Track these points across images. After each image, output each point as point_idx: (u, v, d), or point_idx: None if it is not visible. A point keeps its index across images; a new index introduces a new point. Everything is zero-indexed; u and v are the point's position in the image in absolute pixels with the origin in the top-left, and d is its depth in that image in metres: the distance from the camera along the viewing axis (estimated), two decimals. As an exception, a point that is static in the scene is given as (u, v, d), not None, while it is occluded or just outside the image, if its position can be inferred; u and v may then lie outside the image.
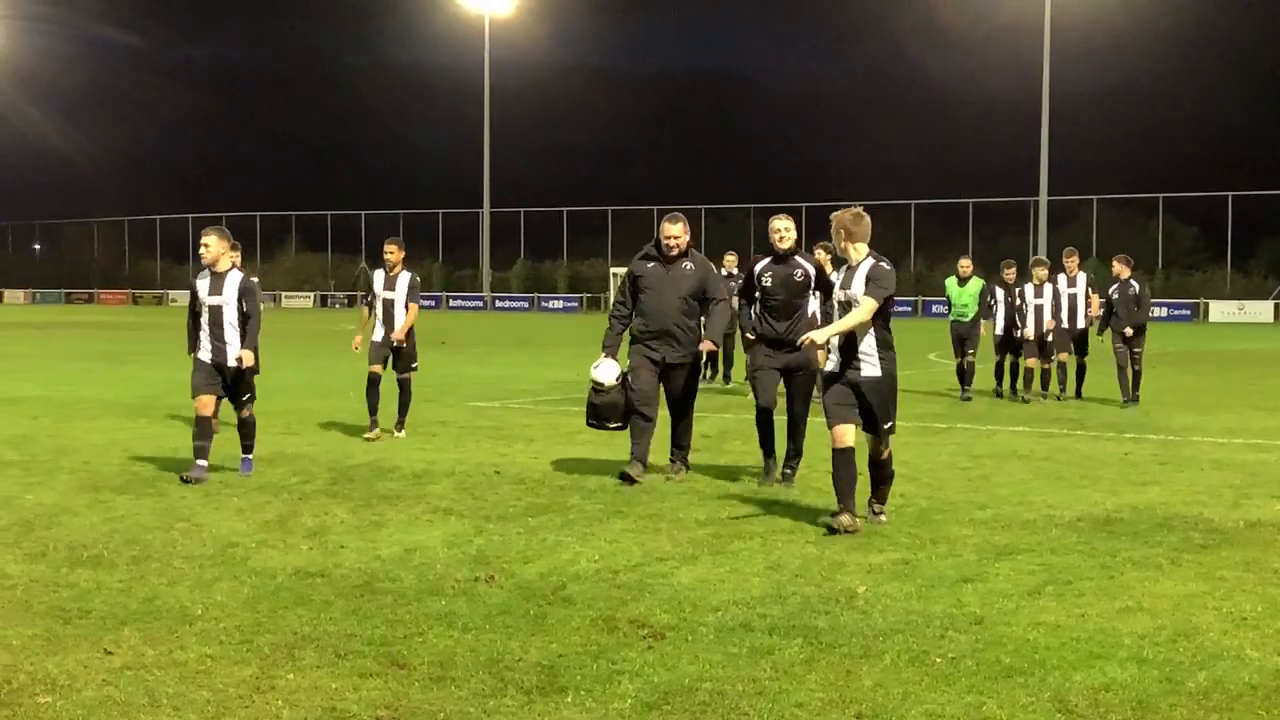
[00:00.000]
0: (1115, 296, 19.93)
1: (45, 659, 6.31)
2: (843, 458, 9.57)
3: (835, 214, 9.84)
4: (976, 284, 21.26)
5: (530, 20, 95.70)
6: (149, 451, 13.60)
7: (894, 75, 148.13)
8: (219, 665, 6.24)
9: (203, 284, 12.22)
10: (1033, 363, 20.46)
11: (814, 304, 12.07)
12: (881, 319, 9.59)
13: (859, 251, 9.68)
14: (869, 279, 9.52)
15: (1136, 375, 19.69)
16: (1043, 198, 73.02)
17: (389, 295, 15.17)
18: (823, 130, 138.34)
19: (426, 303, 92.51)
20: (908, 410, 17.14)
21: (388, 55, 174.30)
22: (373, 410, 14.99)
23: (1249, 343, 44.23)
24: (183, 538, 9.22)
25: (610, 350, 12.02)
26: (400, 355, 15.14)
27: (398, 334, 15.00)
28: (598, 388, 11.86)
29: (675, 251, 11.98)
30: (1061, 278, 20.99)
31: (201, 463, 11.70)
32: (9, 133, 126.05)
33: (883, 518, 9.86)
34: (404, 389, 15.20)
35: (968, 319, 21.13)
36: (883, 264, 9.64)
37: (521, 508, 10.41)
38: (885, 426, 9.69)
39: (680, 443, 12.37)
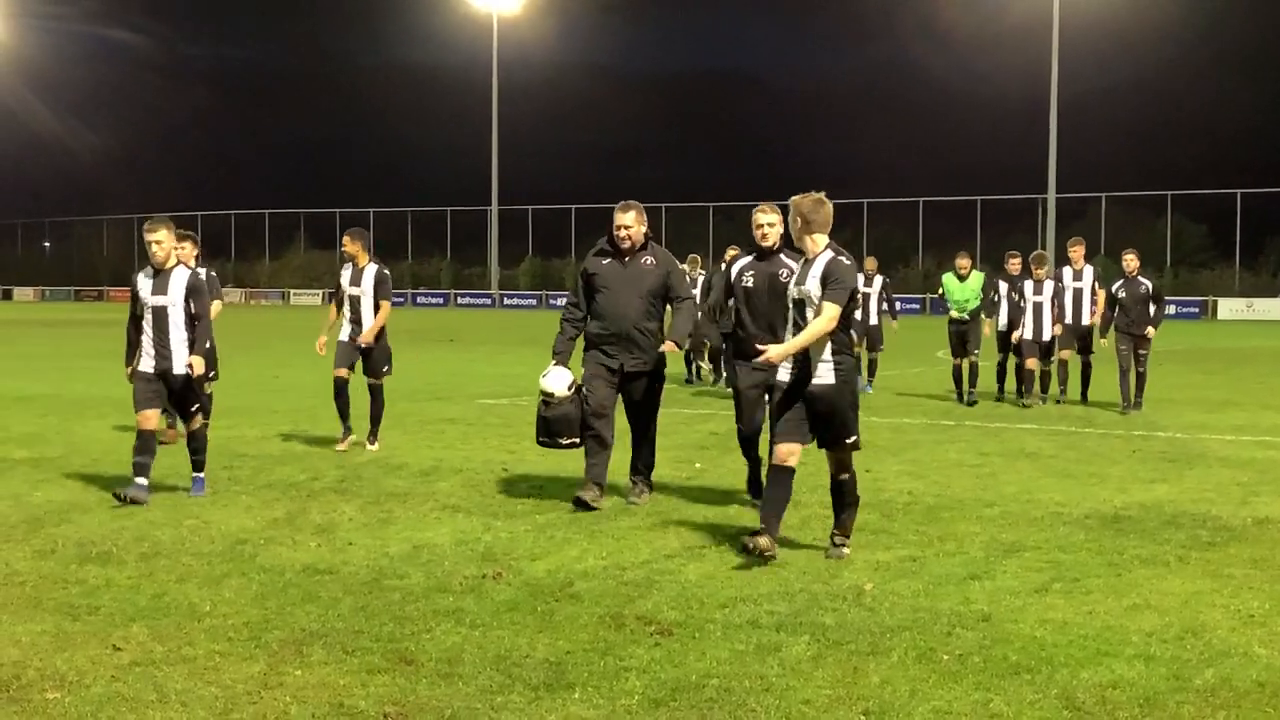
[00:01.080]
0: (1122, 295, 18.51)
1: (54, 655, 6.32)
2: (779, 476, 8.53)
3: (793, 199, 8.83)
4: (977, 278, 20.24)
5: (538, 19, 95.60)
6: (158, 449, 13.58)
7: (902, 73, 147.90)
8: (227, 661, 6.25)
9: (145, 283, 10.83)
10: (1033, 364, 19.19)
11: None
12: (840, 321, 8.53)
13: (816, 243, 8.66)
14: (827, 277, 8.46)
15: (1140, 379, 18.51)
16: (1051, 195, 72.91)
17: (355, 291, 13.94)
18: (830, 128, 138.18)
19: (434, 300, 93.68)
20: (916, 407, 17.09)
21: (396, 54, 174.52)
22: (344, 417, 13.88)
23: (1258, 340, 44.15)
24: (191, 535, 9.23)
25: (561, 357, 10.69)
26: (370, 358, 13.84)
27: (365, 336, 13.67)
28: (548, 399, 10.48)
29: (629, 244, 10.62)
30: (1066, 270, 19.71)
31: (141, 481, 10.47)
32: (19, 131, 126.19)
33: (845, 550, 8.67)
34: (375, 396, 13.89)
35: (969, 316, 19.97)
36: (842, 258, 8.59)
37: (529, 505, 10.41)
38: (846, 441, 8.63)
39: (642, 462, 10.96)
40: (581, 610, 7.19)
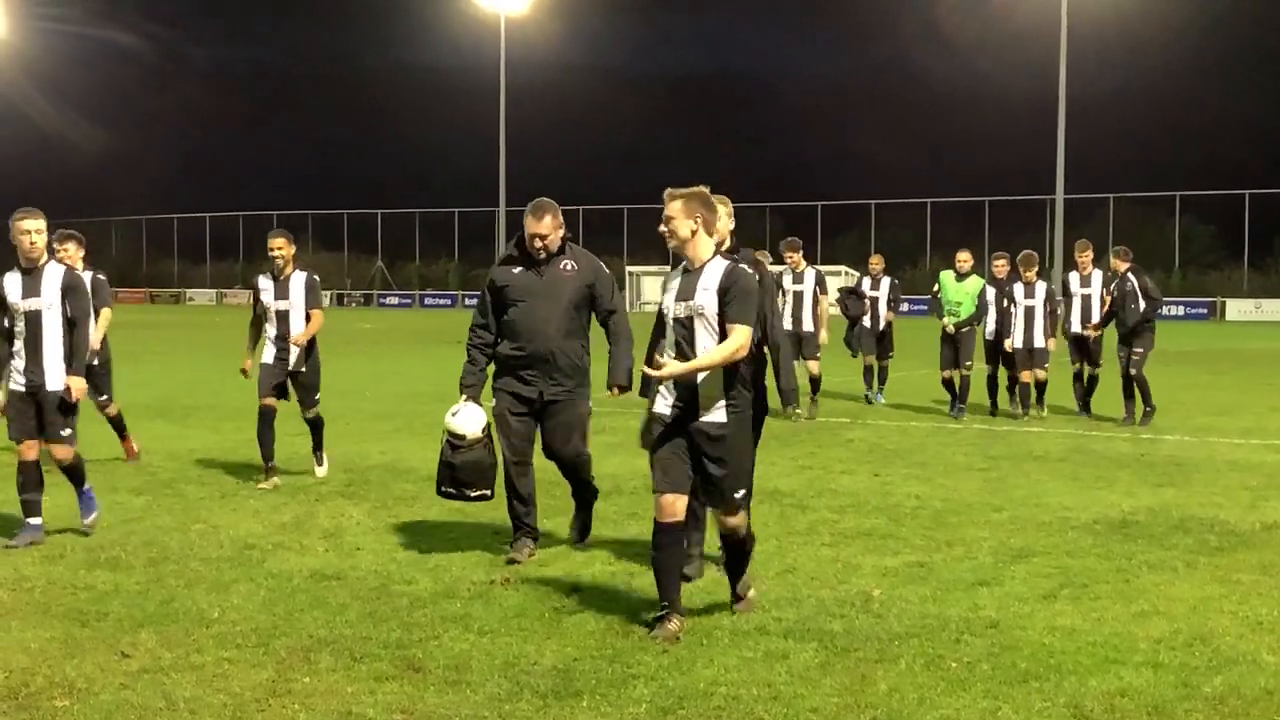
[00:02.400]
0: (1114, 294, 17.26)
1: (63, 662, 6.34)
2: (668, 536, 7.03)
3: (685, 192, 7.21)
4: (976, 282, 18.10)
5: (545, 20, 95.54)
6: (166, 452, 13.63)
7: (908, 75, 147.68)
8: (236, 668, 6.26)
9: (13, 284, 9.23)
10: (1028, 376, 17.57)
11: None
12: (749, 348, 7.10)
13: (704, 249, 7.15)
14: (727, 292, 6.95)
15: (1131, 383, 16.93)
16: (1059, 196, 72.74)
17: (282, 305, 11.77)
18: (837, 129, 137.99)
19: (442, 301, 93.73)
20: (923, 410, 17.01)
21: (404, 55, 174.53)
22: (269, 454, 11.72)
23: (1266, 341, 44.05)
24: (200, 539, 9.24)
25: (472, 391, 8.93)
26: (302, 384, 11.86)
27: (298, 337, 11.67)
28: (455, 442, 8.80)
29: (545, 255, 8.81)
30: (1074, 276, 18.17)
31: (34, 521, 9.19)
32: (27, 131, 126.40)
33: (751, 594, 7.45)
34: (316, 428, 12.14)
35: (961, 320, 17.98)
36: (743, 267, 7.16)
37: (537, 510, 10.38)
38: (734, 496, 7.08)
39: (578, 526, 9.28)
40: (589, 617, 7.19)
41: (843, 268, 62.54)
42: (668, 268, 18.97)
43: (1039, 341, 17.54)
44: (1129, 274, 17.15)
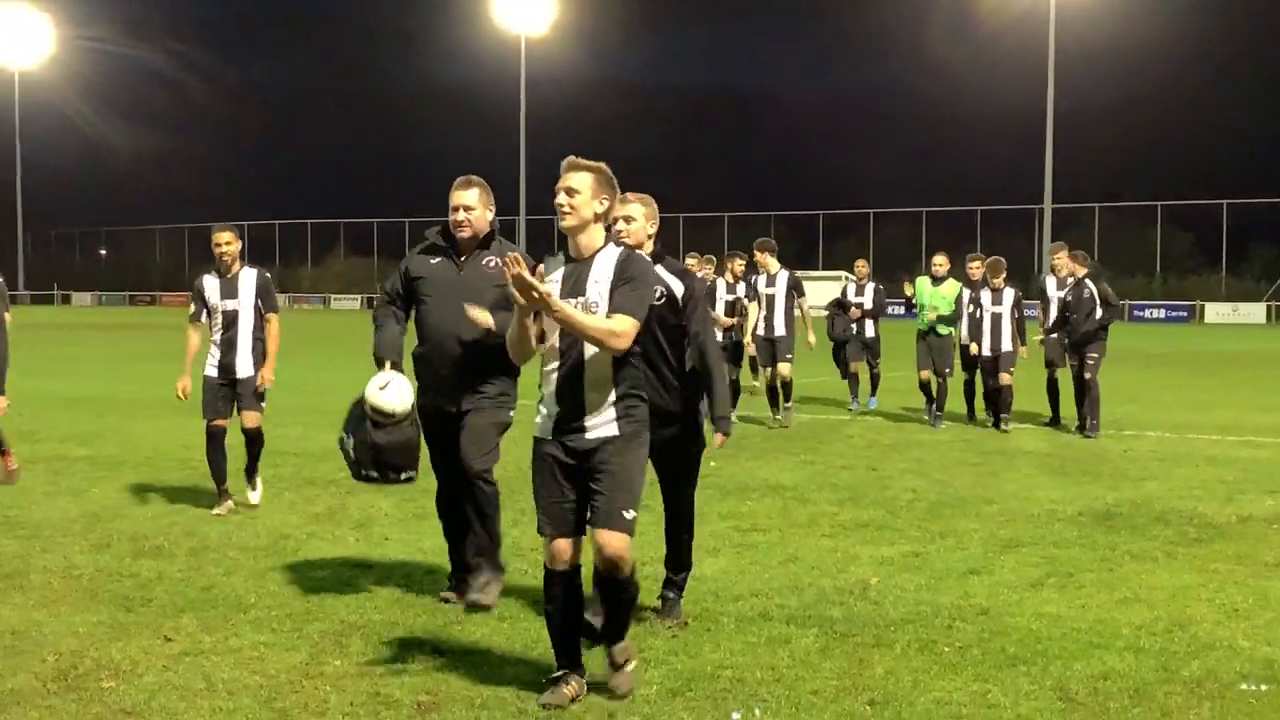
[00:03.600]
0: (1069, 299, 15.88)
1: (109, 645, 6.34)
2: (559, 585, 5.73)
3: (594, 166, 5.74)
4: (953, 286, 16.76)
5: (563, 39, 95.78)
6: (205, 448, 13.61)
7: (906, 90, 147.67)
8: (271, 652, 6.27)
9: None
10: (1005, 378, 16.11)
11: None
12: (634, 346, 5.60)
13: (598, 236, 5.68)
14: (622, 282, 5.54)
15: (1090, 396, 15.37)
16: (1047, 205, 72.65)
17: (230, 305, 9.91)
18: (838, 141, 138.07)
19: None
20: (920, 408, 16.93)
21: (431, 72, 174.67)
22: (221, 477, 10.02)
23: (1243, 343, 43.92)
24: (238, 530, 9.25)
25: (393, 355, 7.25)
26: (247, 392, 9.94)
27: (266, 375, 9.91)
28: (378, 419, 7.15)
29: (468, 233, 7.07)
30: (1051, 280, 16.91)
31: None
32: (78, 146, 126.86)
33: (631, 667, 5.81)
34: (256, 440, 10.13)
35: (938, 330, 16.67)
36: (639, 254, 5.76)
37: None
38: (625, 515, 5.60)
39: (484, 562, 7.18)
40: (603, 603, 7.17)
41: (842, 273, 62.52)
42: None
43: (1006, 347, 16.15)
44: (1087, 280, 15.75)
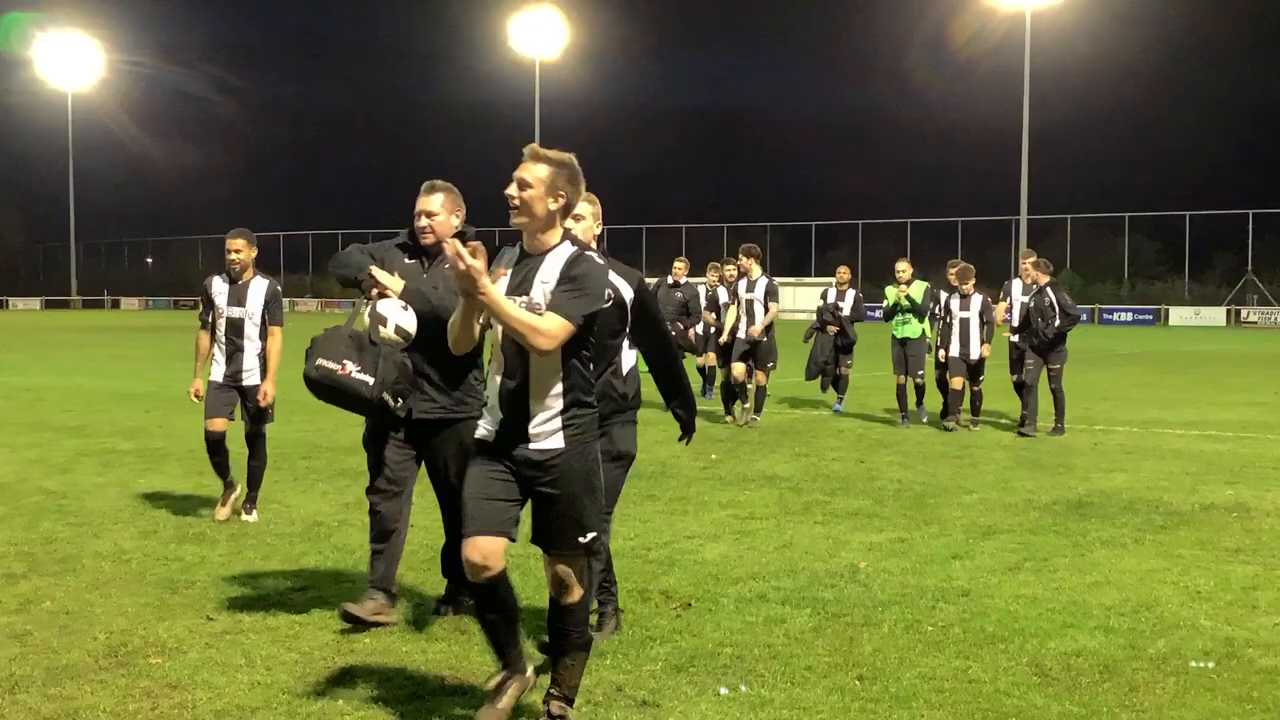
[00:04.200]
0: (1032, 305, 15.22)
1: (156, 624, 6.35)
2: (487, 597, 4.91)
3: (555, 157, 4.85)
4: (919, 287, 16.29)
5: (576, 63, 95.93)
6: (243, 440, 13.62)
7: (893, 109, 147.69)
8: (306, 630, 6.27)
9: None
10: (958, 383, 15.46)
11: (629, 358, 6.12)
12: (583, 352, 4.77)
13: (554, 234, 4.79)
14: (564, 282, 4.66)
15: (1058, 399, 14.94)
16: (1023, 216, 72.57)
17: (237, 313, 9.13)
18: (829, 157, 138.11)
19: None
20: (895, 409, 16.93)
21: (452, 94, 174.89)
22: (225, 471, 9.33)
23: (1205, 344, 43.82)
24: (275, 517, 9.26)
25: (372, 264, 6.31)
26: (251, 399, 9.27)
27: (267, 390, 9.20)
28: (393, 344, 6.08)
29: (431, 238, 6.32)
30: (1017, 283, 16.20)
31: None
32: (126, 161, 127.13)
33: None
34: (258, 449, 9.36)
35: (909, 326, 16.28)
36: (590, 255, 4.77)
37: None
38: (579, 540, 4.81)
39: (455, 591, 6.63)
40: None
41: (833, 280, 62.32)
42: (696, 280, 18.20)
43: (974, 353, 15.59)
44: (1048, 289, 15.11)
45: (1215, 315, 70.31)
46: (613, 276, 5.57)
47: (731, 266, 17.23)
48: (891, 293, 16.42)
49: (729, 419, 16.03)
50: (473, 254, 4.46)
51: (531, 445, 4.74)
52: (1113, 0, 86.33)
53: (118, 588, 7.12)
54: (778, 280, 17.09)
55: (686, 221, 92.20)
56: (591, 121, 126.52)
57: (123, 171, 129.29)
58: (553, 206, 4.77)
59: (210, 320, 9.29)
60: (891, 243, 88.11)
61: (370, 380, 6.04)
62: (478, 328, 4.84)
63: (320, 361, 6.07)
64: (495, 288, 4.58)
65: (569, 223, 5.00)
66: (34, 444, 13.37)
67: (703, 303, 17.71)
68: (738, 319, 16.11)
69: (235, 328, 9.16)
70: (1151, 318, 71.79)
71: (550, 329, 4.58)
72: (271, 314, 9.22)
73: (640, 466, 11.25)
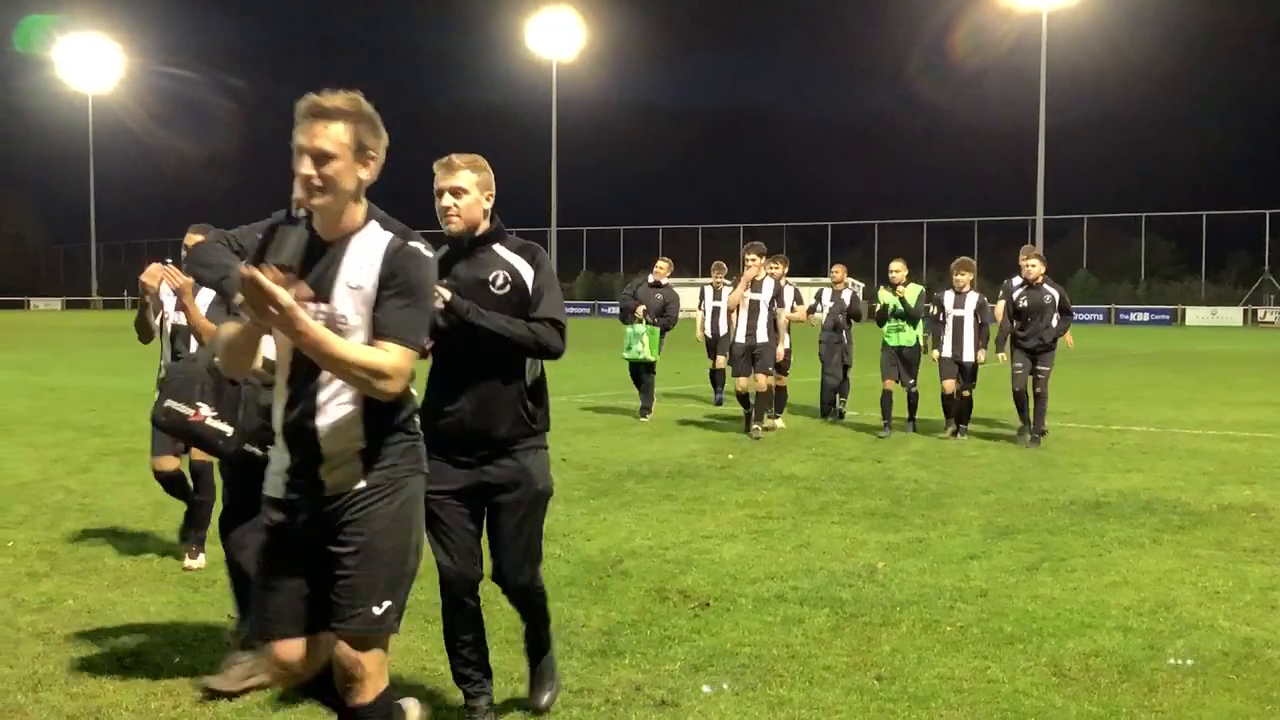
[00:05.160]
0: (1024, 304, 13.88)
1: (177, 623, 6.37)
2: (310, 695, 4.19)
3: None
4: (913, 290, 14.88)
5: (592, 64, 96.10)
6: (265, 441, 13.66)
7: (907, 108, 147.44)
8: (325, 629, 6.26)
9: None
10: (950, 385, 14.41)
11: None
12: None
13: (357, 211, 3.64)
14: (393, 291, 3.55)
15: (1040, 402, 13.80)
16: (1039, 217, 72.39)
17: (180, 319, 7.03)
18: (845, 157, 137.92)
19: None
20: (923, 405, 16.91)
21: (469, 95, 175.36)
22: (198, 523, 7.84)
23: (1221, 344, 43.65)
24: (294, 517, 9.26)
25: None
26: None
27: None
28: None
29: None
30: (1016, 281, 14.34)
31: None
32: (150, 164, 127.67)
33: None
34: (203, 482, 7.69)
35: (902, 334, 14.90)
36: (413, 248, 3.62)
37: (585, 491, 10.40)
38: (374, 611, 3.68)
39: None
40: (630, 585, 7.17)
41: (850, 280, 62.24)
42: (702, 280, 17.74)
43: (968, 355, 14.31)
44: (1046, 285, 13.93)
45: (1232, 315, 70.09)
46: (505, 253, 4.79)
47: (777, 264, 15.28)
48: (884, 295, 15.07)
49: (757, 428, 14.23)
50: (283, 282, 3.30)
51: (326, 490, 3.64)
52: (1128, 0, 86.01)
53: (139, 586, 7.14)
54: (795, 281, 16.77)
55: (702, 222, 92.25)
56: (608, 123, 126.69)
57: (142, 173, 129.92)
58: (363, 175, 3.62)
59: (147, 330, 7.38)
60: (907, 243, 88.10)
61: (228, 431, 5.10)
62: (261, 345, 3.66)
63: (169, 404, 5.14)
64: (319, 326, 3.42)
65: (446, 199, 4.52)
66: (56, 443, 13.41)
67: (708, 303, 17.03)
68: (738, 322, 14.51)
69: (184, 337, 7.20)
70: (1168, 318, 71.57)
71: (396, 367, 3.49)
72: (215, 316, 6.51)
73: (657, 466, 11.28)
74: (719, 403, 18.05)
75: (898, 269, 15.00)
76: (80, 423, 15.47)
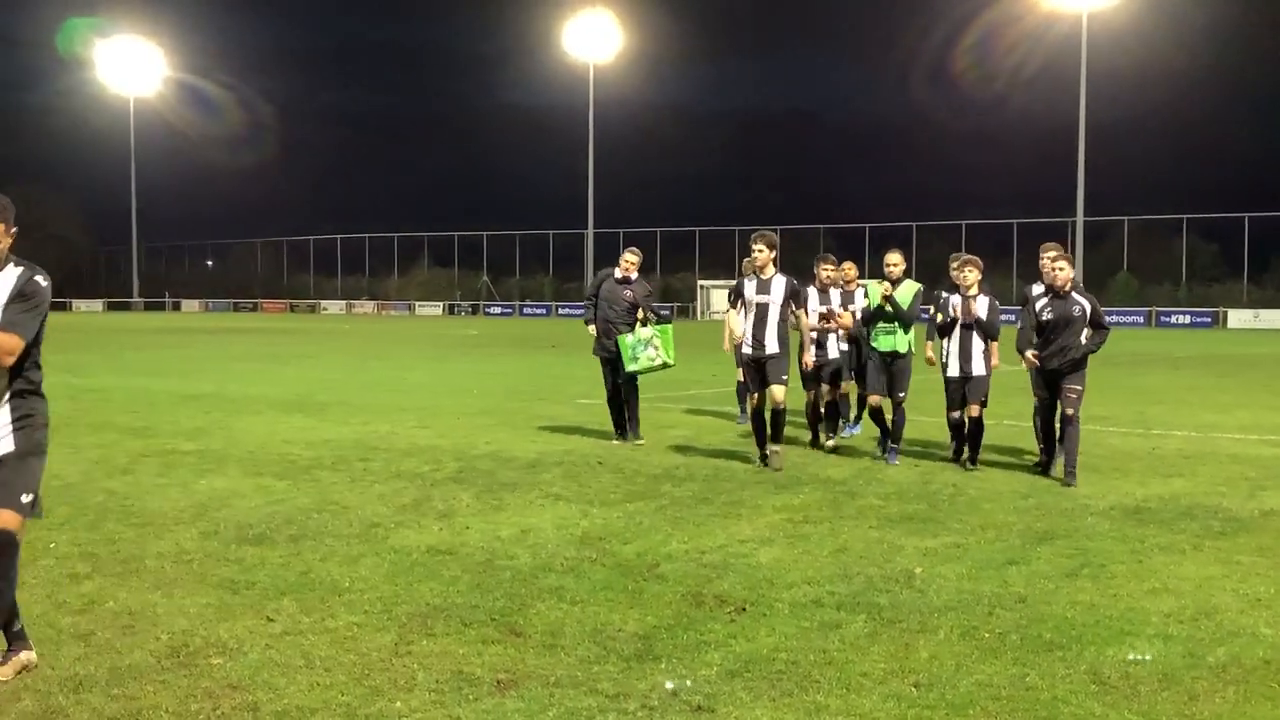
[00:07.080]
0: (1049, 316, 11.50)
1: (217, 625, 6.41)
2: None
3: None
4: (909, 288, 12.88)
5: (629, 66, 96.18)
6: (305, 442, 13.76)
7: (947, 108, 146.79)
8: (364, 632, 6.30)
9: None
10: (974, 410, 12.09)
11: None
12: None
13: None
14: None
15: (1069, 428, 11.30)
16: (1079, 218, 71.92)
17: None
18: (883, 158, 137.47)
19: (539, 311, 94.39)
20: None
21: (507, 97, 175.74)
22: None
23: (1264, 347, 43.21)
24: (333, 519, 9.32)
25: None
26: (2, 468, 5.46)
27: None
28: None
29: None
30: (1037, 287, 12.09)
31: None
32: (186, 167, 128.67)
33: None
34: (6, 561, 5.36)
35: (894, 337, 12.75)
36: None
37: (621, 494, 10.40)
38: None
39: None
40: (666, 589, 7.17)
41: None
42: (733, 281, 17.35)
43: (977, 369, 12.15)
44: (1075, 293, 11.57)
45: (1275, 318, 69.35)
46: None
47: (832, 268, 13.86)
48: (874, 291, 12.98)
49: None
50: None
51: None
52: (1168, 1, 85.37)
53: (180, 588, 7.19)
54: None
55: (739, 224, 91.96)
56: (645, 125, 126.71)
57: (182, 176, 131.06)
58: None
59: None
60: (947, 245, 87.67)
61: None
62: None
63: None
64: None
65: None
66: (98, 444, 13.53)
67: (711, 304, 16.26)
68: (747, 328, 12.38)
69: None
70: (1209, 320, 70.93)
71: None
72: (12, 319, 5.20)
73: (693, 470, 11.27)
74: (744, 423, 15.49)
75: (894, 262, 12.73)
76: (122, 424, 15.61)
